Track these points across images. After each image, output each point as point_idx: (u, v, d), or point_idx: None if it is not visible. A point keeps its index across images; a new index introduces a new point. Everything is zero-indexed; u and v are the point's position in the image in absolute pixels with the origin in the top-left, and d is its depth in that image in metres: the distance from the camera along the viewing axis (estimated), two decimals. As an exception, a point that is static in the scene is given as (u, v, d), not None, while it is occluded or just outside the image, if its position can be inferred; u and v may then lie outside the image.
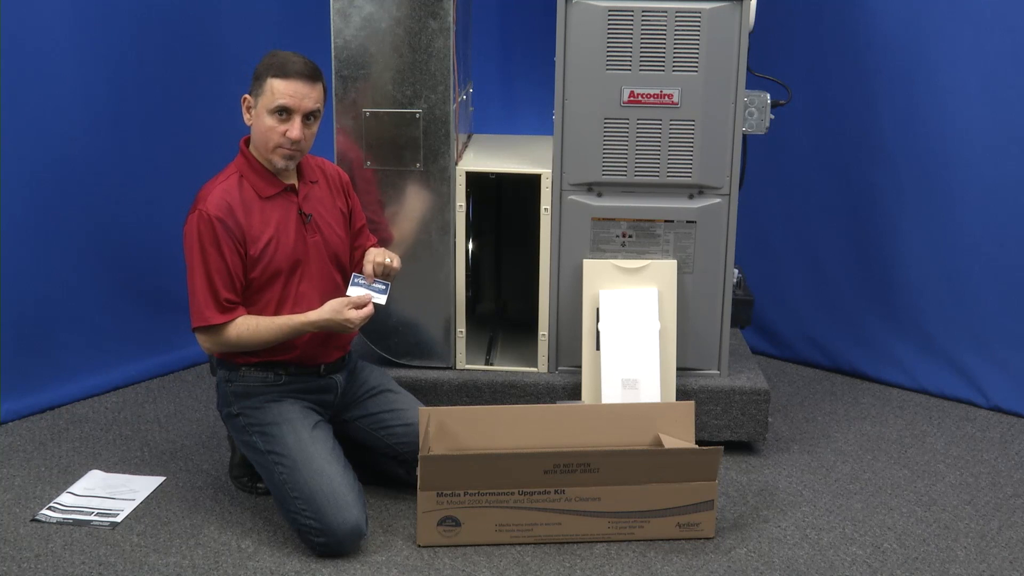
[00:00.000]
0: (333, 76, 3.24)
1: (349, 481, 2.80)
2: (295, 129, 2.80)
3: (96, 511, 2.97)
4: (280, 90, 2.78)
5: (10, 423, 3.47)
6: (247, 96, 2.84)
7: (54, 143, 3.54)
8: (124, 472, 3.20)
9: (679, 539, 2.85)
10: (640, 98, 3.20)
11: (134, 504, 3.01)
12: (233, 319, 2.79)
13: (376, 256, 2.97)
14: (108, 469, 3.21)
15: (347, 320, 2.81)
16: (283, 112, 2.79)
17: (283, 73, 2.78)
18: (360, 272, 2.97)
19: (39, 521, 2.91)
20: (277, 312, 2.86)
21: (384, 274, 2.95)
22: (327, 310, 2.81)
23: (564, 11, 3.16)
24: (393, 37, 3.21)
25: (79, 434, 3.43)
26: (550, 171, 3.29)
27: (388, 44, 3.22)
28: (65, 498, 3.03)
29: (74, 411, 3.59)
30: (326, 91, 2.89)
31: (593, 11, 3.15)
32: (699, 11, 3.12)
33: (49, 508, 2.97)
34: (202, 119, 3.91)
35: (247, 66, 3.94)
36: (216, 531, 2.89)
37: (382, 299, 2.93)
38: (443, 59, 3.22)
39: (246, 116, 2.86)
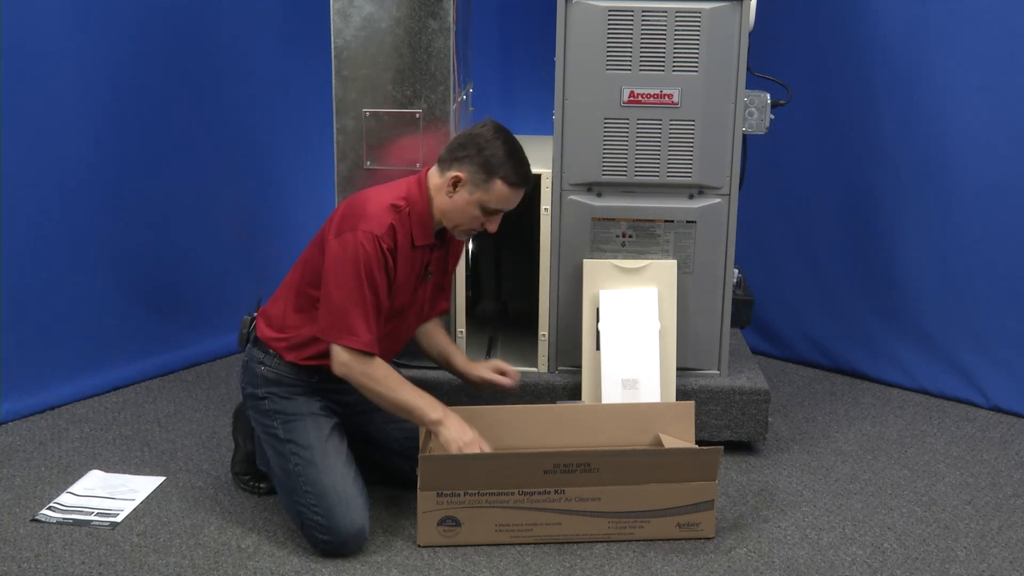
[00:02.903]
0: (333, 76, 3.24)
1: (359, 486, 2.81)
2: (495, 225, 2.82)
3: (96, 511, 2.97)
4: (507, 198, 2.76)
5: (10, 423, 3.47)
6: (460, 175, 2.74)
7: (54, 143, 3.54)
8: (124, 472, 3.20)
9: (679, 539, 2.85)
10: (640, 98, 3.20)
11: (134, 504, 3.01)
12: (376, 353, 2.77)
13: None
14: (108, 469, 3.21)
15: (459, 449, 2.73)
16: (496, 212, 2.79)
17: (514, 183, 2.74)
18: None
19: (39, 521, 2.91)
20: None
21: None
22: (459, 432, 2.75)
23: (564, 11, 3.16)
24: (393, 37, 3.21)
25: (79, 434, 3.43)
26: (550, 171, 3.29)
27: (388, 44, 3.22)
28: (65, 498, 3.03)
29: (74, 411, 3.59)
30: None
31: (593, 11, 3.15)
32: (699, 11, 3.12)
33: (49, 508, 2.97)
34: (202, 119, 3.91)
35: (247, 66, 3.99)
36: (216, 531, 2.89)
37: None
38: (443, 59, 3.22)
39: (447, 188, 2.76)
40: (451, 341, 3.17)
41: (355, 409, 2.98)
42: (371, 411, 2.99)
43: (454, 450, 2.73)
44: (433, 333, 3.11)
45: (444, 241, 2.92)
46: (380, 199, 2.78)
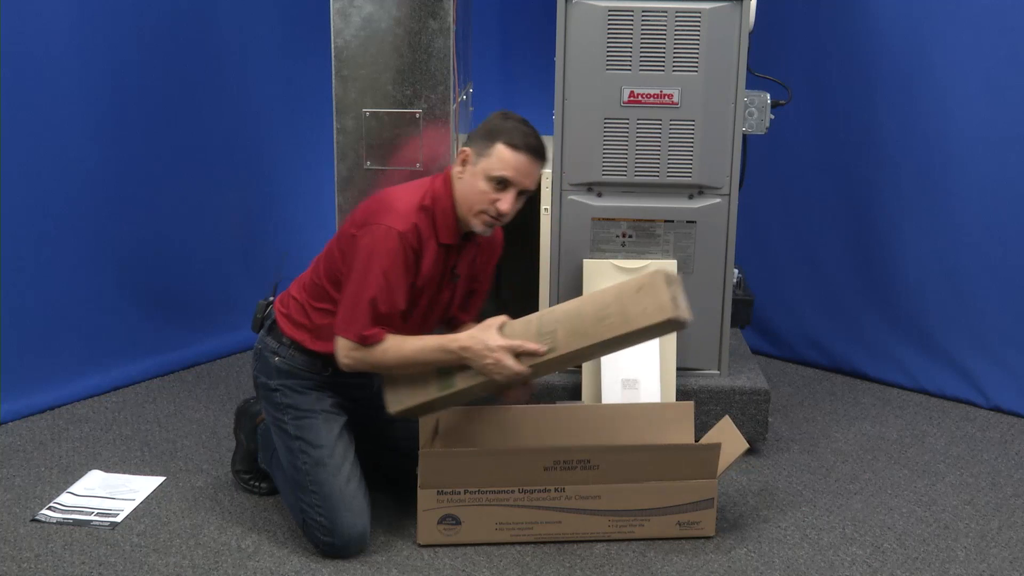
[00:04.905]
0: (333, 76, 3.25)
1: (364, 489, 2.81)
2: (507, 202, 2.72)
3: (96, 511, 2.97)
4: (507, 160, 2.69)
5: (10, 423, 3.47)
6: (467, 149, 2.73)
7: (55, 144, 3.54)
8: (124, 472, 3.20)
9: (679, 538, 2.85)
10: (640, 98, 3.20)
11: (134, 504, 3.01)
12: (383, 337, 2.71)
13: None
14: (108, 469, 3.21)
15: (496, 362, 2.66)
16: (501, 183, 2.72)
17: (514, 144, 2.70)
18: None
19: (39, 521, 2.91)
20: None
21: None
22: (483, 348, 2.66)
23: (564, 11, 3.16)
24: (393, 37, 3.21)
25: (79, 434, 3.43)
26: (550, 171, 3.29)
27: (388, 44, 3.22)
28: (65, 498, 3.03)
29: (74, 411, 3.59)
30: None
31: (593, 11, 3.15)
32: (699, 11, 3.12)
33: (49, 508, 2.97)
34: (202, 119, 3.91)
35: (247, 66, 3.99)
36: (216, 531, 2.89)
37: None
38: (443, 59, 3.22)
39: (459, 167, 2.75)
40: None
41: (362, 405, 2.98)
42: (376, 409, 2.99)
43: (490, 364, 2.65)
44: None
45: (474, 242, 2.88)
46: (408, 197, 2.76)
